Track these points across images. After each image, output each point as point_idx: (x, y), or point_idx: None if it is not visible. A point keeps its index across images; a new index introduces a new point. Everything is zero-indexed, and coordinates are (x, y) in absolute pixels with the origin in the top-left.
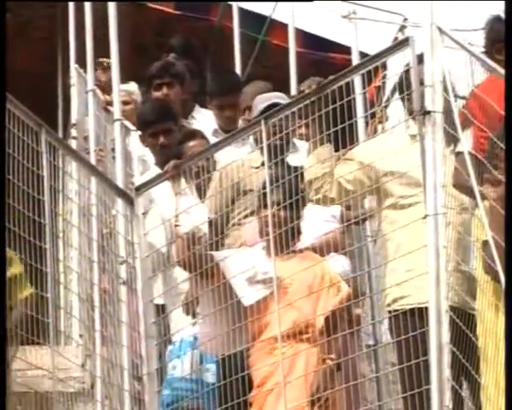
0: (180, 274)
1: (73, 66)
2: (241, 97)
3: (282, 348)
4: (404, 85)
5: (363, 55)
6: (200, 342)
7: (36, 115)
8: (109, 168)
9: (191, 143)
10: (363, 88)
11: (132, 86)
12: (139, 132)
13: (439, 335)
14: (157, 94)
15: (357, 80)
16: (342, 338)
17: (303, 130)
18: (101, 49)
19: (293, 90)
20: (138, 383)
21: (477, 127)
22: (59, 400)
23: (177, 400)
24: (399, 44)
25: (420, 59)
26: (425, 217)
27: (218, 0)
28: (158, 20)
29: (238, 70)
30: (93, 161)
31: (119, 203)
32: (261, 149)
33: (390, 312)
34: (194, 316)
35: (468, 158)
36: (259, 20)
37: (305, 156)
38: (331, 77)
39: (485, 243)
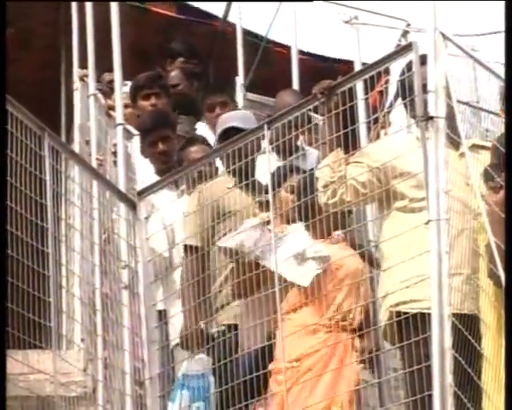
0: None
1: (76, 70)
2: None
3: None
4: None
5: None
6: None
7: (39, 119)
8: (109, 173)
9: (192, 149)
10: (366, 93)
11: None
12: (140, 144)
13: (441, 340)
14: (145, 104)
15: (359, 86)
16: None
17: (305, 136)
18: (104, 53)
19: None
20: (140, 387)
21: None
22: (61, 404)
23: None
24: (403, 50)
25: (423, 60)
26: (428, 222)
27: (222, 0)
28: (160, 25)
29: (241, 75)
30: (94, 165)
31: (122, 208)
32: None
33: (391, 313)
34: (192, 350)
35: (469, 160)
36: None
37: (315, 161)
38: (334, 82)
39: (488, 247)
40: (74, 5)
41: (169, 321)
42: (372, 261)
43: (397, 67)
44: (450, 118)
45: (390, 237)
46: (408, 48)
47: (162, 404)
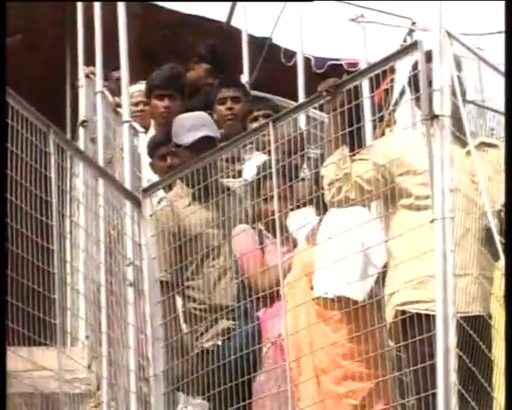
0: None
1: (82, 67)
2: None
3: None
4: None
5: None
6: None
7: (44, 116)
8: (118, 170)
9: None
10: (372, 92)
11: None
12: (149, 160)
13: (445, 339)
14: (158, 103)
15: (365, 84)
16: None
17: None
18: (109, 51)
19: (301, 93)
20: (144, 384)
21: None
22: (65, 401)
23: None
24: (408, 48)
25: (428, 57)
26: (432, 221)
27: (226, 0)
28: (166, 22)
29: (246, 73)
30: (101, 162)
31: (127, 205)
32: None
33: (397, 312)
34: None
35: (475, 158)
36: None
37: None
38: (340, 80)
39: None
40: (80, 4)
41: None
42: None
43: (402, 66)
44: (457, 116)
45: (397, 235)
46: (413, 46)
47: (166, 401)
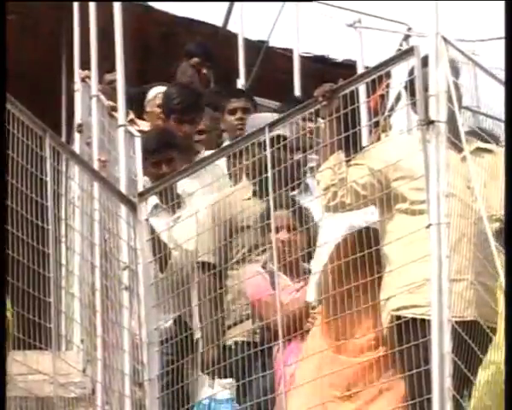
0: None
1: (77, 71)
2: None
3: None
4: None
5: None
6: None
7: (40, 120)
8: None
9: None
10: (368, 97)
11: None
12: (142, 163)
13: (440, 344)
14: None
15: (362, 89)
16: None
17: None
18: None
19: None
20: (139, 389)
21: None
22: (60, 405)
23: None
24: (404, 53)
25: (424, 62)
26: (428, 226)
27: (223, 0)
28: (162, 24)
29: (242, 76)
30: (96, 166)
31: (122, 209)
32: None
33: (392, 317)
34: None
35: (470, 163)
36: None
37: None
38: (336, 85)
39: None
40: (76, 5)
41: None
42: None
43: (398, 71)
44: (452, 121)
45: (393, 239)
46: (410, 52)
47: (161, 405)
